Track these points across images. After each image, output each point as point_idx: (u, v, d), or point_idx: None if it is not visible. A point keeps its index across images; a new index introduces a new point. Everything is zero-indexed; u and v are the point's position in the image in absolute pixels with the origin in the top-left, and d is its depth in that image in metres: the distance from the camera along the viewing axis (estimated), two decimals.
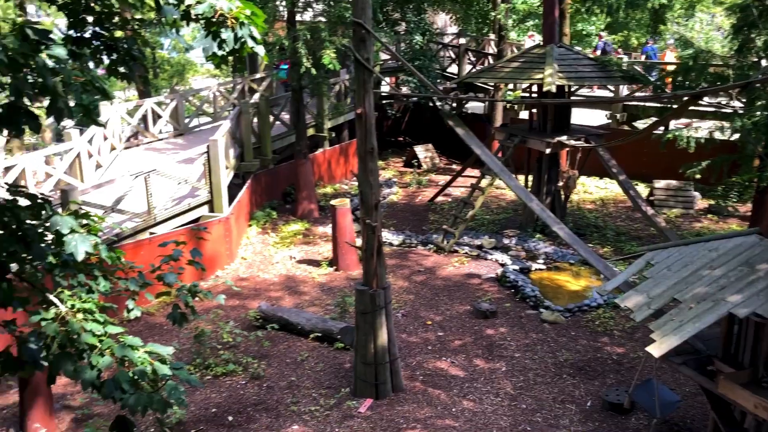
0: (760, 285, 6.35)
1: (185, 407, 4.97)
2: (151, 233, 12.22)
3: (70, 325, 3.64)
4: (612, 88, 19.88)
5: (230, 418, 8.71)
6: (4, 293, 3.61)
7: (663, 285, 7.01)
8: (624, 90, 19.36)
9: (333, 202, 13.57)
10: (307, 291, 12.61)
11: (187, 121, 19.13)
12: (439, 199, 17.86)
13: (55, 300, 3.80)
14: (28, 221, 3.60)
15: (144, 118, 17.76)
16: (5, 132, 3.24)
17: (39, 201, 3.75)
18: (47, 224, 3.72)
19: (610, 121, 19.64)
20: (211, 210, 13.85)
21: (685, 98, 12.44)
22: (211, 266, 13.20)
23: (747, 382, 6.70)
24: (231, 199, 14.31)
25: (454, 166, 21.44)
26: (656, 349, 6.35)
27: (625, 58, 20.00)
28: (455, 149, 22.61)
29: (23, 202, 3.92)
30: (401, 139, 24.52)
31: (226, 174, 14.24)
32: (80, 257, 3.62)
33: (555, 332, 10.73)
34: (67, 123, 23.78)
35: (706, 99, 14.54)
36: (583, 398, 8.96)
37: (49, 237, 4.00)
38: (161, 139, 18.09)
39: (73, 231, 3.61)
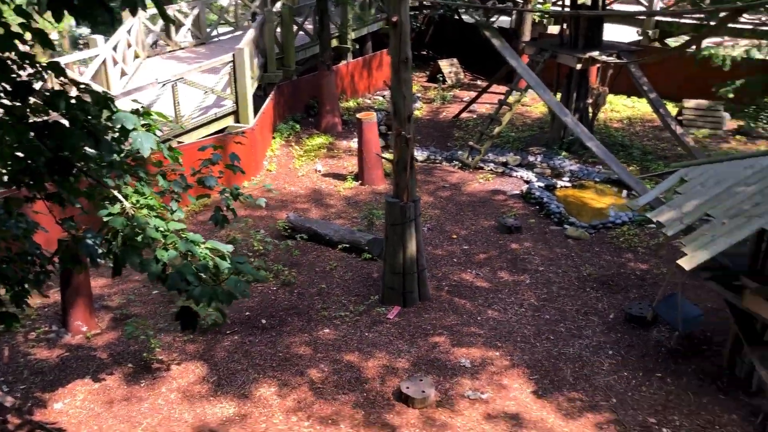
0: None
1: (248, 298, 5.18)
2: (179, 142, 12.30)
3: (136, 219, 3.77)
4: (645, 2, 19.21)
5: (264, 321, 9.05)
6: (70, 187, 3.72)
7: (696, 201, 7.06)
8: (658, 4, 18.71)
9: (359, 115, 13.50)
10: (333, 204, 12.77)
11: (208, 30, 18.84)
12: (464, 115, 17.70)
13: (119, 196, 3.92)
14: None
15: (166, 26, 17.49)
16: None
17: (103, 97, 3.80)
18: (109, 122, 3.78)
19: (641, 37, 19.10)
20: (237, 121, 13.87)
21: (725, 14, 12.01)
22: (237, 177, 13.31)
23: None
24: (255, 111, 14.28)
25: (478, 82, 21.11)
26: (687, 263, 6.46)
27: None
28: (479, 64, 22.22)
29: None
30: (424, 52, 24.04)
31: (251, 84, 14.15)
32: (146, 153, 3.70)
33: (579, 248, 10.88)
34: (85, 30, 23.43)
35: (745, 16, 14.09)
36: (605, 311, 9.19)
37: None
38: (183, 48, 17.87)
39: (135, 129, 3.69)
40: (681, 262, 6.56)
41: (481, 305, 9.39)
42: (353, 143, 15.59)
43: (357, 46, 19.64)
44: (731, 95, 13.30)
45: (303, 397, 7.60)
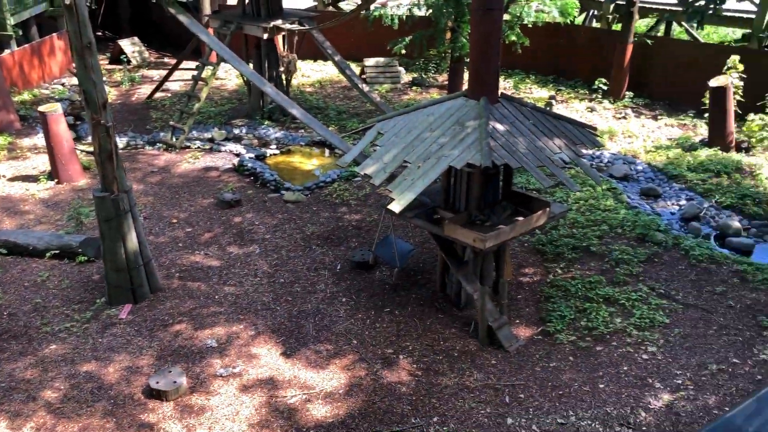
0: (470, 140, 7.51)
1: None
2: None
3: None
4: None
5: None
6: None
7: (394, 150, 7.87)
8: None
9: (41, 108, 12.19)
10: (30, 209, 11.49)
11: None
12: (158, 95, 16.99)
13: None
14: None
15: None
16: None
17: None
18: None
19: (316, 3, 20.13)
20: None
21: None
22: None
23: (465, 223, 8.04)
24: None
25: (166, 60, 20.37)
26: (397, 206, 7.25)
27: None
28: (162, 41, 21.47)
29: None
30: (100, 33, 22.35)
31: None
32: None
33: (299, 210, 11.39)
34: None
35: None
36: (333, 263, 9.85)
37: None
38: None
39: None
40: (390, 206, 7.34)
41: (217, 284, 9.40)
42: (38, 140, 14.10)
43: (20, 33, 17.51)
44: (403, 51, 14.82)
45: (42, 423, 6.94)
